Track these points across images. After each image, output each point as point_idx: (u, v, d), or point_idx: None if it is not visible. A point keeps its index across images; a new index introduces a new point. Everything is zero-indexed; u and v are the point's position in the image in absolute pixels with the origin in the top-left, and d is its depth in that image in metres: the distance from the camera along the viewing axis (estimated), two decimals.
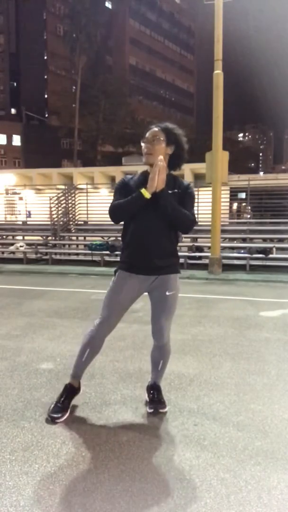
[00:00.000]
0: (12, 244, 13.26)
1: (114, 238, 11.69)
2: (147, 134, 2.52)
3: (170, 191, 2.42)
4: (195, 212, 2.71)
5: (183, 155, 2.55)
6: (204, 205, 12.36)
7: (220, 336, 4.54)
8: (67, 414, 2.64)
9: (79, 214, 14.16)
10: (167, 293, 2.53)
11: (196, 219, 2.51)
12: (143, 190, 2.35)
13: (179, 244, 12.14)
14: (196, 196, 13.00)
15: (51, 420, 2.59)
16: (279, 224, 12.27)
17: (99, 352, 2.64)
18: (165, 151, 2.48)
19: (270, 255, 10.15)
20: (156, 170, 2.34)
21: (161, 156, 2.39)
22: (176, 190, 2.47)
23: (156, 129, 2.50)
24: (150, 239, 2.46)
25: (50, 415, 2.61)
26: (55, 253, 12.28)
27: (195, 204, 2.94)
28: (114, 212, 2.45)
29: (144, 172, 2.58)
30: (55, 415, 2.59)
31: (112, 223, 2.65)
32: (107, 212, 2.49)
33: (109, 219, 2.50)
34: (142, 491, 1.97)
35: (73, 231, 13.67)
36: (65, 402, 2.65)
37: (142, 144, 2.52)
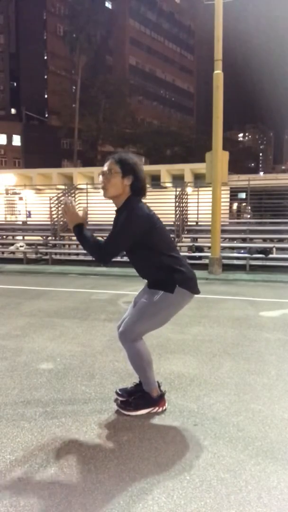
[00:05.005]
0: (12, 244, 13.27)
1: None
2: (104, 167, 2.53)
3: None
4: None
5: (142, 185, 2.55)
6: (204, 205, 12.39)
7: (220, 336, 4.54)
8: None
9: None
10: (142, 299, 2.62)
11: (109, 250, 2.41)
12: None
13: (179, 244, 12.03)
14: (196, 196, 12.90)
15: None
16: (279, 224, 12.27)
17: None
18: (122, 183, 2.47)
19: (270, 255, 10.15)
20: (63, 211, 2.51)
21: (65, 200, 2.51)
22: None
23: (110, 161, 2.50)
24: (136, 269, 2.68)
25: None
26: (55, 253, 12.28)
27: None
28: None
29: None
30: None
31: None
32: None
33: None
34: (142, 491, 1.97)
35: None
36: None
37: (100, 178, 2.54)
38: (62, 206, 2.52)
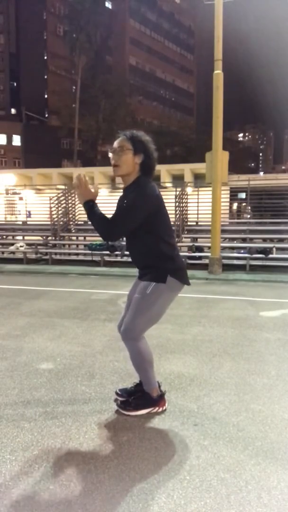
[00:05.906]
0: (12, 244, 13.27)
1: None
2: (114, 144, 2.49)
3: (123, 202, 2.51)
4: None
5: (153, 163, 2.52)
6: (204, 205, 12.39)
7: (220, 336, 4.54)
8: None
9: (79, 214, 14.16)
10: (135, 295, 2.61)
11: (117, 229, 2.41)
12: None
13: (179, 244, 11.99)
14: (196, 196, 12.88)
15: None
16: (279, 224, 12.27)
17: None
18: (133, 161, 2.45)
19: (270, 255, 10.15)
20: (75, 185, 2.45)
21: (79, 173, 2.47)
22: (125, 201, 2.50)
23: (122, 138, 2.46)
24: (130, 254, 2.70)
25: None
26: (55, 253, 12.28)
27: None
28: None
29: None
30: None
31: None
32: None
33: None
34: (142, 491, 1.97)
35: (73, 231, 13.68)
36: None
37: (110, 155, 2.50)
38: (75, 180, 2.44)
